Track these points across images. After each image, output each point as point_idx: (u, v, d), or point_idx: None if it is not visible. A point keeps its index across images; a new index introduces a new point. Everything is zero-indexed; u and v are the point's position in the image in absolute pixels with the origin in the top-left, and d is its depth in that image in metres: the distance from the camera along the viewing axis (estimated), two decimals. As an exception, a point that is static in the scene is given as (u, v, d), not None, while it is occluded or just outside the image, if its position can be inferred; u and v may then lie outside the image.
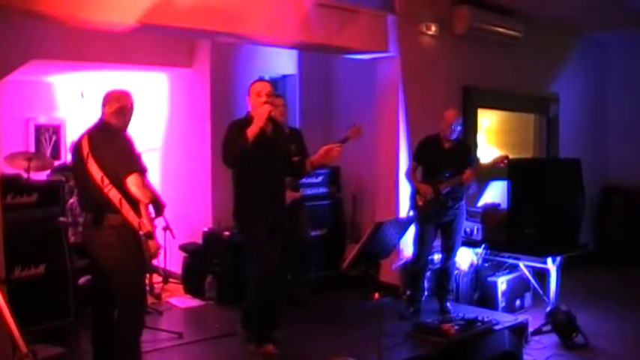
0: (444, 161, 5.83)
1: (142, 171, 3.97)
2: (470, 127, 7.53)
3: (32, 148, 7.83)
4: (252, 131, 4.50)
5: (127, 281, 3.92)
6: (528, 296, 6.76)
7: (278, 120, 5.32)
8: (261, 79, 5.00)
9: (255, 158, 4.56)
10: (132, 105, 4.12)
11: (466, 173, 5.67)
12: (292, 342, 4.86)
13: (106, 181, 3.85)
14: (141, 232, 3.89)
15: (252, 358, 4.73)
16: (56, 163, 7.01)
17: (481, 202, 7.44)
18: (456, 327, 5.15)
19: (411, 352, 4.94)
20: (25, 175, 5.65)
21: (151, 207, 4.07)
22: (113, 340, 4.03)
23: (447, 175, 5.75)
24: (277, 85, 7.58)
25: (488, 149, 7.97)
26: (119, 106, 4.03)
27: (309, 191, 7.01)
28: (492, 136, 8.39)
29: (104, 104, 4.04)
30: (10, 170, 5.81)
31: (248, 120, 4.68)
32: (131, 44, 6.57)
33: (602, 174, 9.47)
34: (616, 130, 9.59)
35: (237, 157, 4.56)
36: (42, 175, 6.33)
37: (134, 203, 3.89)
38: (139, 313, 4.10)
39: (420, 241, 5.90)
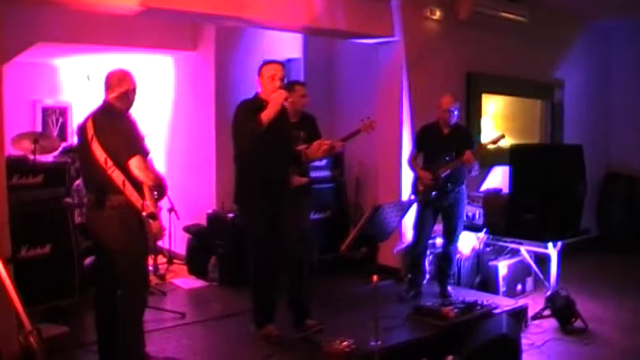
0: (444, 146, 5.88)
1: (144, 153, 4.01)
2: (474, 112, 7.57)
3: (39, 130, 7.89)
4: (266, 116, 4.47)
5: (128, 261, 3.97)
6: (530, 281, 6.79)
7: (300, 109, 5.30)
8: (273, 61, 4.87)
9: (261, 143, 4.53)
10: (134, 86, 4.14)
11: (466, 155, 5.71)
12: (291, 323, 4.90)
13: (110, 162, 3.90)
14: (144, 214, 3.94)
15: (253, 339, 4.80)
16: (63, 144, 7.07)
17: (484, 187, 7.47)
18: (456, 310, 5.23)
19: (411, 335, 5.02)
20: (31, 156, 5.71)
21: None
22: (116, 319, 4.10)
23: (446, 158, 5.80)
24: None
25: (493, 134, 7.96)
26: (122, 89, 4.05)
27: (313, 174, 7.03)
28: (498, 121, 8.40)
29: (107, 87, 4.07)
30: (16, 152, 5.87)
31: (258, 102, 4.65)
32: (136, 27, 6.62)
33: (606, 160, 9.47)
34: (619, 116, 9.57)
35: (251, 140, 4.55)
36: (49, 157, 6.39)
37: (137, 185, 3.94)
38: (141, 294, 4.15)
39: (420, 225, 5.97)
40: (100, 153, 3.92)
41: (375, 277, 4.30)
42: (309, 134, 5.16)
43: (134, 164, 3.88)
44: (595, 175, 8.95)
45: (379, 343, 4.39)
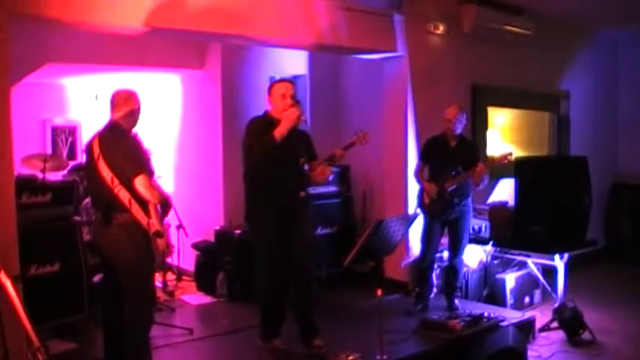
0: (450, 159, 5.89)
1: (149, 172, 4.08)
2: (479, 125, 7.59)
3: (49, 149, 7.99)
4: (280, 132, 4.52)
5: (135, 278, 4.03)
6: (538, 293, 6.79)
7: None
8: (283, 80, 4.98)
9: (273, 159, 4.58)
10: (139, 105, 4.22)
11: (479, 166, 5.72)
12: (298, 337, 4.91)
13: (116, 181, 3.97)
14: (150, 232, 4.00)
15: (259, 353, 4.83)
16: (71, 163, 7.16)
17: (490, 200, 7.48)
18: (462, 323, 5.22)
19: (417, 348, 5.01)
20: (40, 175, 5.79)
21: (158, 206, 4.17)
22: (123, 336, 4.15)
23: (453, 173, 5.82)
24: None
25: (501, 146, 7.98)
26: (127, 108, 4.14)
27: (320, 189, 7.09)
28: (507, 133, 8.42)
29: (113, 107, 4.15)
30: (26, 171, 5.95)
31: (268, 120, 4.71)
32: (143, 46, 6.70)
33: (613, 170, 9.46)
34: (627, 127, 9.56)
35: (264, 157, 4.59)
36: (58, 176, 6.48)
37: (143, 203, 4.01)
38: (147, 310, 4.21)
39: (427, 239, 5.97)
40: (106, 172, 3.98)
41: (379, 291, 4.33)
42: (307, 151, 5.14)
43: (139, 182, 3.95)
44: (602, 186, 8.95)
45: (385, 357, 4.42)
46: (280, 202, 4.72)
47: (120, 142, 4.06)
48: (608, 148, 9.45)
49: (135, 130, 4.25)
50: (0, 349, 3.46)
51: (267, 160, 4.60)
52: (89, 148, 4.14)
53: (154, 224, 4.01)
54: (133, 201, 3.97)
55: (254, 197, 4.83)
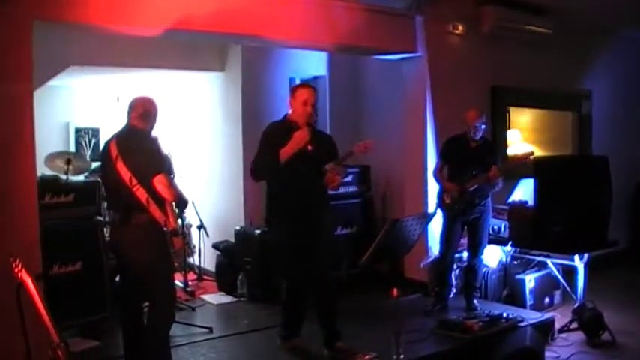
0: (470, 160, 5.87)
1: (168, 171, 4.16)
2: (499, 125, 7.56)
3: (72, 150, 8.11)
4: (286, 153, 4.47)
5: (154, 276, 4.09)
6: (558, 294, 6.75)
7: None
8: (308, 85, 4.87)
9: (290, 168, 4.54)
10: (156, 110, 4.31)
11: (492, 171, 5.71)
12: (316, 337, 4.91)
13: (134, 181, 4.04)
14: (167, 230, 4.07)
15: (278, 352, 4.88)
16: (94, 164, 7.26)
17: (510, 200, 7.44)
18: (480, 323, 5.21)
19: (435, 348, 5.02)
20: (63, 176, 5.90)
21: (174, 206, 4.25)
22: (143, 334, 4.22)
23: (473, 173, 5.81)
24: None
25: (523, 147, 7.94)
26: (144, 110, 4.23)
27: (340, 190, 7.09)
28: (530, 134, 8.37)
29: (130, 110, 4.25)
30: (50, 172, 6.06)
31: (286, 124, 4.67)
32: (165, 49, 6.78)
33: (638, 170, 9.33)
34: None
35: (265, 175, 4.60)
36: (80, 177, 6.58)
37: (160, 202, 4.08)
38: (167, 308, 4.26)
39: (447, 239, 5.97)
40: (124, 172, 4.06)
41: (395, 291, 4.35)
42: (329, 156, 5.02)
43: (158, 181, 4.03)
44: (627, 186, 8.87)
45: (402, 356, 4.43)
46: (299, 205, 4.68)
47: (138, 143, 4.14)
48: (632, 147, 9.30)
49: (155, 132, 4.33)
50: (22, 345, 3.53)
51: (273, 176, 4.58)
52: (107, 151, 4.23)
53: (171, 223, 4.09)
54: (150, 200, 4.04)
55: (273, 200, 4.81)
